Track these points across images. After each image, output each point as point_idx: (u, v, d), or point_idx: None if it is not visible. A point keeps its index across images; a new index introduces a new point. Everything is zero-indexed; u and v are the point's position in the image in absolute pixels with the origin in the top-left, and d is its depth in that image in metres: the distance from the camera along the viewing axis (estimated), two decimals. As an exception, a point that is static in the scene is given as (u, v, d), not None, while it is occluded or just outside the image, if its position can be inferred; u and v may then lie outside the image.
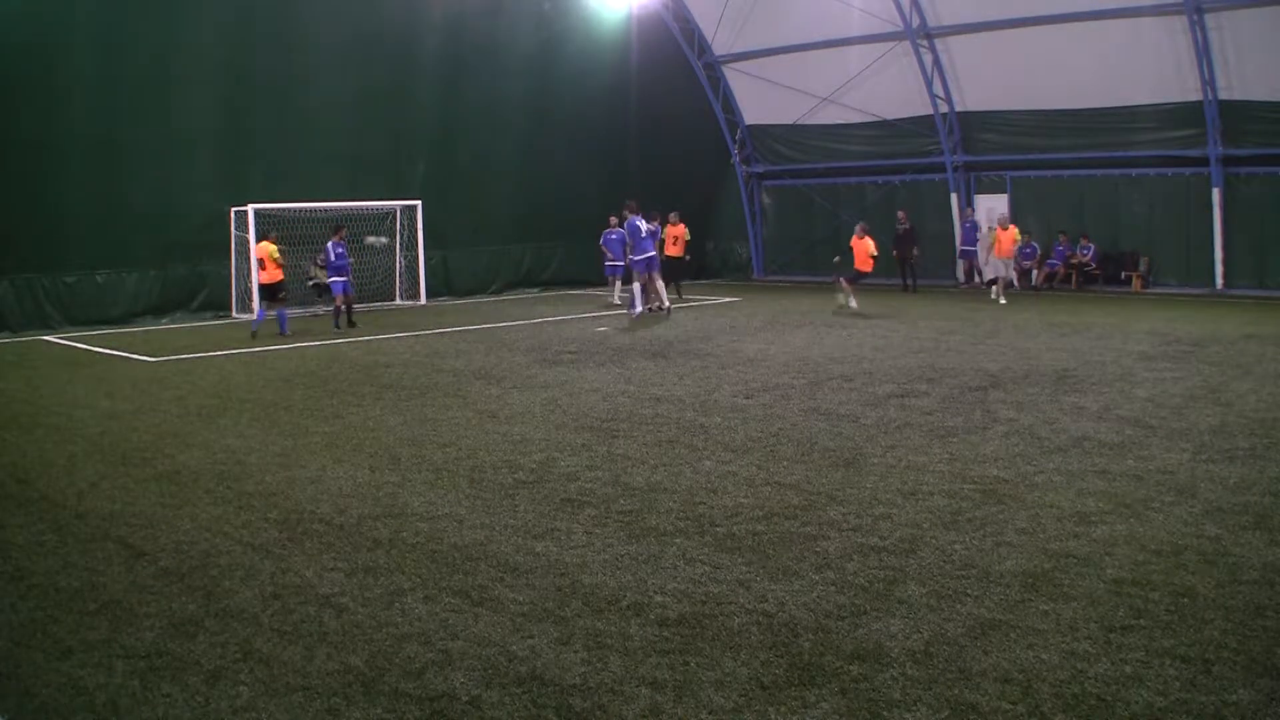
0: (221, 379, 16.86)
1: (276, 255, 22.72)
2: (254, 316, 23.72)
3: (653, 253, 25.37)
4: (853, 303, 25.45)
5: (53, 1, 23.80)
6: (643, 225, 24.87)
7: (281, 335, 22.29)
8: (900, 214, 32.25)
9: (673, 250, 28.26)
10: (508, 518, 8.85)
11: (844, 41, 33.11)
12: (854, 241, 26.45)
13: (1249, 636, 6.13)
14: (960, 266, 33.41)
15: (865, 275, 26.23)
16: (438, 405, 14.16)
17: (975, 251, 32.83)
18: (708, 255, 37.66)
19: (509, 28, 32.03)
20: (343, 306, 23.77)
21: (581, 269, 34.28)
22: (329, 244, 23.70)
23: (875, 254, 26.22)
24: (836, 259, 27.25)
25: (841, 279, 25.95)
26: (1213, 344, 18.53)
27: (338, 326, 23.56)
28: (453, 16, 30.58)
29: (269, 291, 22.99)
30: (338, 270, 23.69)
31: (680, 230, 28.48)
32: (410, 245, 30.06)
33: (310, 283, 27.22)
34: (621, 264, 27.82)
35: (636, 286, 25.31)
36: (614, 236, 28.21)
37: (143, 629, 6.63)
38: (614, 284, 28.92)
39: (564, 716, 5.40)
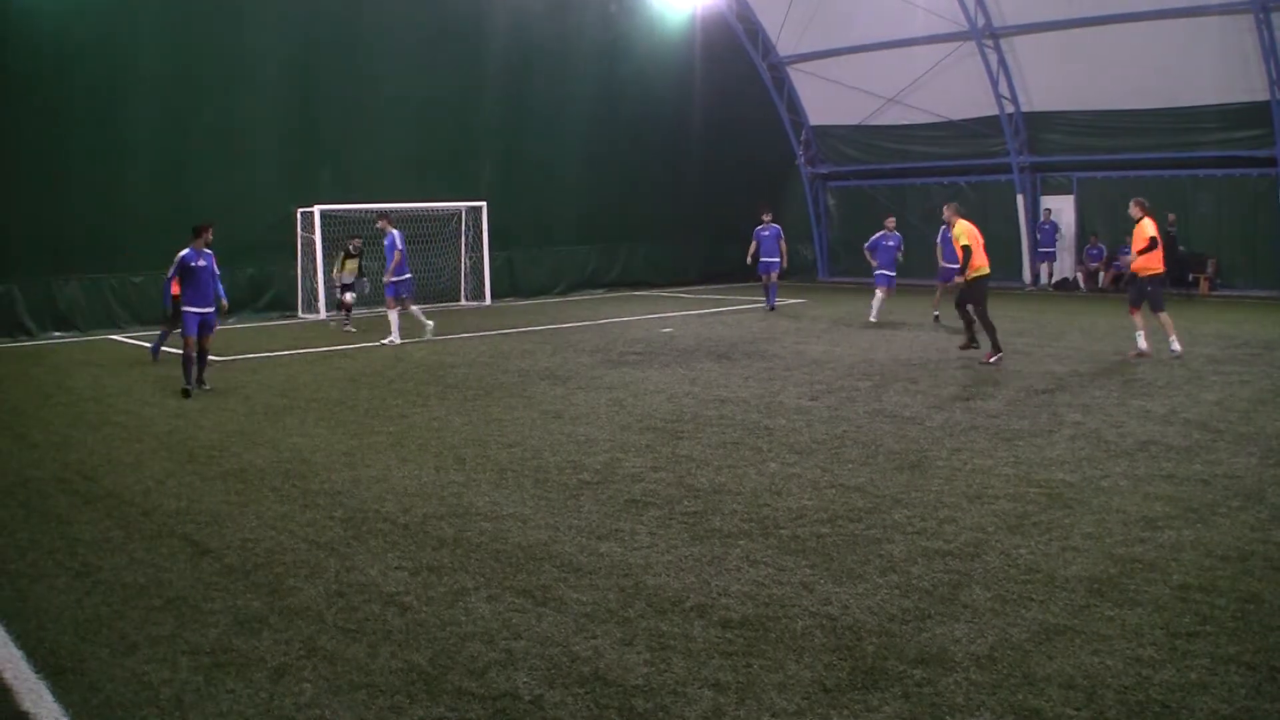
0: (287, 378, 17.05)
1: None
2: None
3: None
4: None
5: (120, 6, 24.22)
6: (398, 239, 20.87)
7: None
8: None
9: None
10: (572, 518, 8.87)
11: (909, 42, 33.00)
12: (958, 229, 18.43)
13: (1320, 645, 6.03)
14: (1027, 268, 33.12)
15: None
16: (502, 405, 14.22)
17: (1054, 253, 32.53)
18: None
19: (574, 29, 32.30)
20: (194, 354, 15.68)
21: (647, 270, 34.46)
22: (186, 252, 15.61)
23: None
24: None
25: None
26: (1283, 347, 18.28)
27: (190, 383, 15.66)
28: (518, 18, 30.81)
29: None
30: (196, 297, 15.63)
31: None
32: (476, 246, 30.23)
33: (357, 289, 24.10)
34: (890, 272, 24.63)
35: (393, 314, 21.30)
36: (890, 243, 24.81)
37: (208, 625, 6.70)
38: (876, 294, 24.55)
39: (626, 717, 5.41)
